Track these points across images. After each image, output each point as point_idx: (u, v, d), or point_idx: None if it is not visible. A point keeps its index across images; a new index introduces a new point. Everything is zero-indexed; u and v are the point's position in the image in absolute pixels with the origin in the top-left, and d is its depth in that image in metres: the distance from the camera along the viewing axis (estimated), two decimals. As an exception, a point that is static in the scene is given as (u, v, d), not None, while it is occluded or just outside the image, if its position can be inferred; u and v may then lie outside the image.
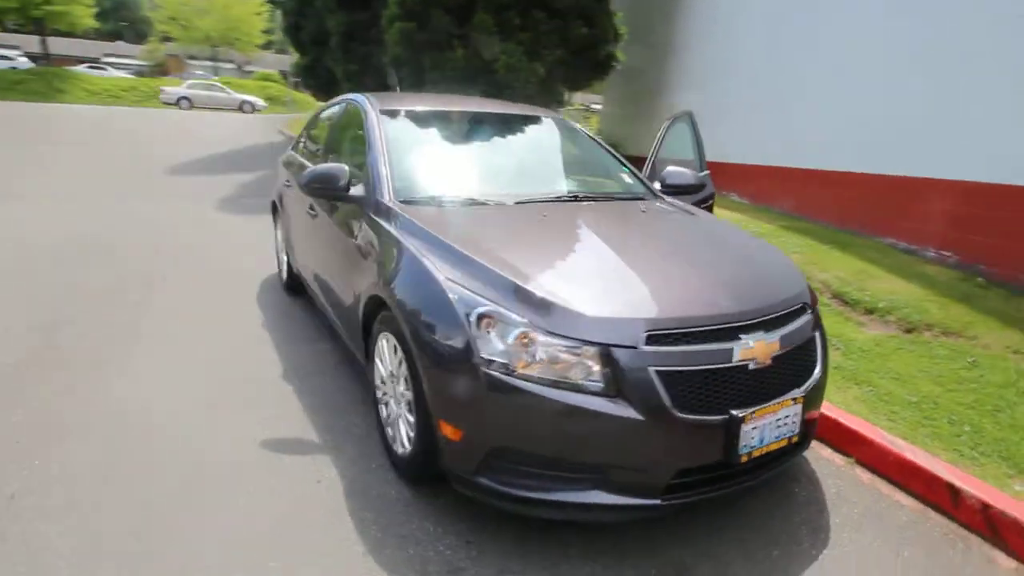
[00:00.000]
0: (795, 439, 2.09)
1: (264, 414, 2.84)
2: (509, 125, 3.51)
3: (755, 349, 1.97)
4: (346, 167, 2.78)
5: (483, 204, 2.68)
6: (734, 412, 1.89)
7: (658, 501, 1.91)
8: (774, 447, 2.03)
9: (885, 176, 5.81)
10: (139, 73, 35.91)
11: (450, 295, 2.02)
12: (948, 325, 3.90)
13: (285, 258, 4.51)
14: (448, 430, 1.98)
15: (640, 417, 1.81)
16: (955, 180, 5.08)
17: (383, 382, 2.51)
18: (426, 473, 2.24)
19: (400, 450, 2.37)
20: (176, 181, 9.69)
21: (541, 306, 1.92)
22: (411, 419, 2.23)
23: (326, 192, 2.78)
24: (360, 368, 3.29)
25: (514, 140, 3.43)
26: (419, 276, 2.18)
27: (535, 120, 3.66)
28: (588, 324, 1.87)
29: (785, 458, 2.15)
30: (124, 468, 2.39)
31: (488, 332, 1.91)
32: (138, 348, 3.48)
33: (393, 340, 2.31)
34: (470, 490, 2.03)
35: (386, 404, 2.52)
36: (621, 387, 1.82)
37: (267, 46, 41.67)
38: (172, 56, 39.27)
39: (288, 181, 4.18)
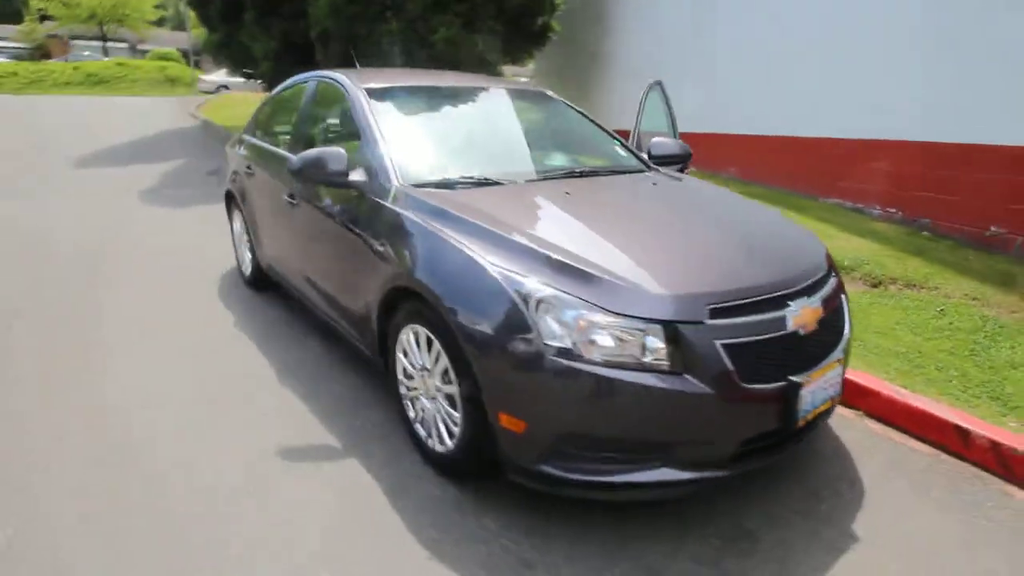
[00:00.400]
0: (837, 399, 2.17)
1: (272, 420, 2.64)
2: (497, 100, 3.38)
3: (803, 315, 2.00)
4: (343, 151, 2.58)
5: (497, 183, 2.57)
6: (793, 378, 1.92)
7: (725, 472, 1.93)
8: (822, 409, 2.09)
9: (829, 139, 6.09)
10: (17, 57, 32.33)
11: (502, 281, 1.92)
12: (910, 278, 4.16)
13: (248, 252, 4.21)
14: (509, 421, 1.90)
15: (709, 391, 1.80)
16: (898, 140, 5.39)
17: (409, 377, 2.39)
18: (474, 469, 2.16)
19: (439, 447, 2.26)
20: (88, 175, 8.83)
21: (601, 286, 1.87)
22: (454, 414, 2.14)
23: (322, 178, 2.57)
24: (365, 366, 3.15)
25: (506, 115, 3.30)
26: (460, 263, 2.05)
27: (521, 94, 3.55)
28: (652, 302, 1.84)
29: (823, 418, 2.22)
30: (134, 492, 2.17)
31: (548, 317, 1.84)
32: (113, 361, 3.16)
33: (425, 332, 2.19)
34: (532, 480, 1.97)
35: (414, 401, 2.41)
36: (688, 363, 1.81)
37: (160, 22, 38.46)
38: (53, 37, 35.56)
39: (249, 168, 3.87)
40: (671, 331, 1.81)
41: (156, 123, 15.01)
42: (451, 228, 2.19)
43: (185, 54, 30.52)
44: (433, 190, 2.46)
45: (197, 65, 29.53)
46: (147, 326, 3.59)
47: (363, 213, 2.57)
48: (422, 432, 2.38)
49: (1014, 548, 2.05)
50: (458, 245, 2.10)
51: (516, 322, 1.87)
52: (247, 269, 4.31)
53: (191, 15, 30.70)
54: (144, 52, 34.30)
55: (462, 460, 2.16)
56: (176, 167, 9.93)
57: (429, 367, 2.23)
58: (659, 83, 4.24)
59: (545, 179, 2.71)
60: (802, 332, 1.99)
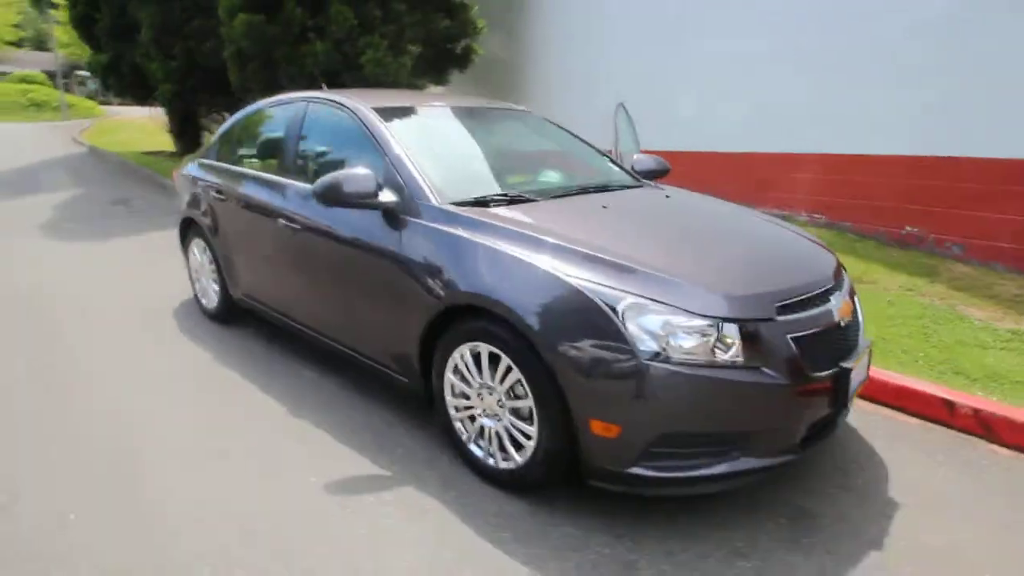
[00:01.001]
0: (865, 382, 2.41)
1: (302, 461, 2.50)
2: (496, 120, 3.43)
3: (842, 307, 2.22)
4: (370, 172, 2.53)
5: (530, 200, 2.62)
6: (844, 364, 2.12)
7: (796, 456, 2.08)
8: (857, 392, 2.31)
9: (757, 154, 6.65)
10: None
11: (586, 292, 1.98)
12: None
13: (213, 285, 3.96)
14: (601, 428, 1.95)
15: (784, 381, 1.95)
16: (819, 154, 6.00)
17: (463, 397, 2.37)
18: (549, 480, 2.17)
19: (504, 464, 2.26)
20: (-31, 209, 7.86)
21: (680, 290, 1.97)
22: (527, 427, 2.15)
23: (350, 201, 2.50)
24: (375, 391, 3.06)
25: (510, 135, 3.37)
26: (535, 277, 2.08)
27: (515, 115, 3.62)
28: (729, 303, 1.97)
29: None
30: (182, 551, 1.98)
31: (636, 323, 1.91)
32: (98, 423, 2.85)
33: (488, 349, 2.19)
34: (619, 484, 2.02)
35: (466, 421, 2.39)
36: (764, 357, 1.95)
37: (19, 43, 34.84)
38: None
39: (220, 194, 3.65)
40: (747, 328, 1.95)
41: (39, 150, 13.62)
42: (511, 243, 2.21)
43: (52, 76, 27.82)
44: (472, 208, 2.47)
45: (67, 88, 27.06)
46: (120, 379, 3.25)
47: (395, 234, 2.52)
48: (478, 451, 2.36)
49: (1010, 491, 2.38)
50: (527, 260, 2.13)
51: (605, 331, 1.93)
52: (211, 301, 4.04)
53: (59, 35, 28.17)
54: (3, 74, 30.88)
55: (535, 473, 2.17)
56: (69, 198, 9.08)
57: (492, 384, 2.23)
58: (622, 105, 4.48)
59: (567, 195, 2.80)
60: (843, 323, 2.21)
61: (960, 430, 2.80)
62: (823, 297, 2.18)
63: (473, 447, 2.38)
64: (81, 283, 4.88)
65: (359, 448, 2.59)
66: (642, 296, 1.95)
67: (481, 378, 2.27)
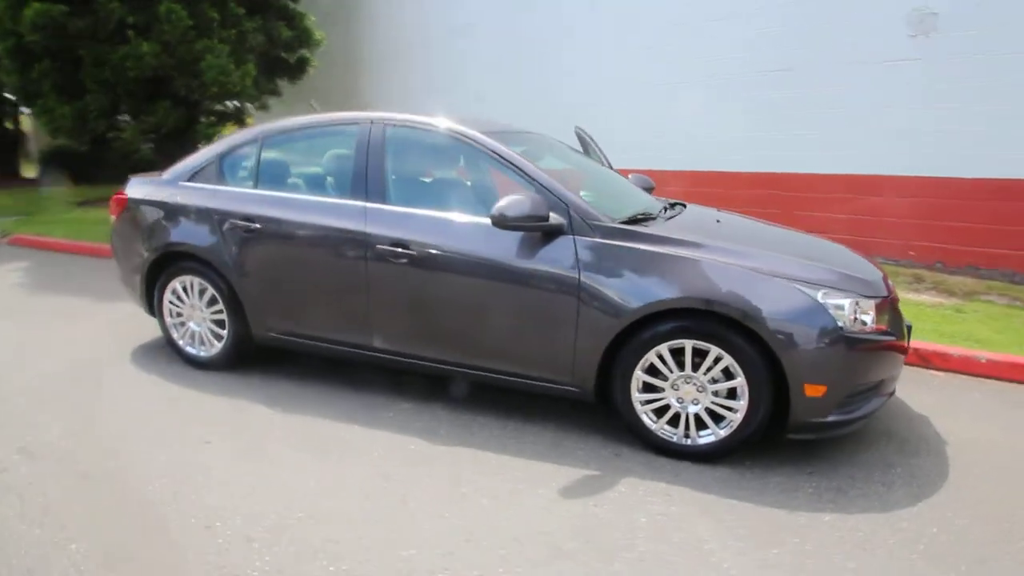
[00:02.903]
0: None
1: (512, 479, 2.54)
2: (537, 143, 3.62)
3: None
4: (541, 196, 2.69)
5: (654, 218, 3.02)
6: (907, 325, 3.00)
7: (891, 395, 2.87)
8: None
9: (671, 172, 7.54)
10: None
11: (796, 287, 2.48)
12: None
13: (216, 328, 3.45)
14: (812, 389, 2.45)
15: (900, 342, 2.71)
16: (732, 172, 6.97)
17: (654, 390, 2.66)
18: (753, 441, 2.60)
19: (703, 440, 2.63)
20: None
21: (850, 280, 2.59)
22: (732, 404, 2.56)
23: (529, 225, 2.65)
24: (517, 404, 3.16)
25: (578, 159, 3.64)
26: (745, 279, 2.50)
27: (543, 137, 3.87)
28: (878, 287, 2.64)
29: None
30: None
31: (835, 306, 2.48)
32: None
33: (692, 344, 2.54)
34: (816, 432, 2.57)
35: (659, 411, 2.68)
36: (891, 326, 2.69)
37: None
38: None
39: (250, 222, 3.21)
40: (884, 305, 2.67)
41: None
42: (700, 253, 2.60)
43: None
44: (632, 225, 2.79)
45: None
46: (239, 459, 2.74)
47: (567, 254, 2.69)
48: (669, 435, 2.69)
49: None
50: (730, 266, 2.55)
51: (813, 315, 2.45)
52: (209, 347, 3.51)
53: None
54: None
55: (738, 441, 2.59)
56: None
57: (695, 374, 2.60)
58: (582, 129, 5.00)
59: (672, 215, 3.22)
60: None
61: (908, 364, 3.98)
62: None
63: (663, 434, 2.71)
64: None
65: (543, 457, 2.69)
66: (829, 286, 2.54)
67: (681, 371, 2.63)
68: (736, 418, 2.59)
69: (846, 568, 2.07)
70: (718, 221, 3.21)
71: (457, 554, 2.09)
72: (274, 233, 3.22)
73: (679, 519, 2.30)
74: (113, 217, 3.79)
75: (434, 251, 2.92)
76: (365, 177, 3.10)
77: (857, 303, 2.53)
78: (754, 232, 3.24)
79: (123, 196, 3.70)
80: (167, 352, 3.75)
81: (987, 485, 2.57)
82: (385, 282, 3.01)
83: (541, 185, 2.82)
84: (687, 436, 2.67)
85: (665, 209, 3.30)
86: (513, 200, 2.63)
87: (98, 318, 4.53)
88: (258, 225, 3.23)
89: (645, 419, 2.71)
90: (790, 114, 6.04)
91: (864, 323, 2.54)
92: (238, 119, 9.29)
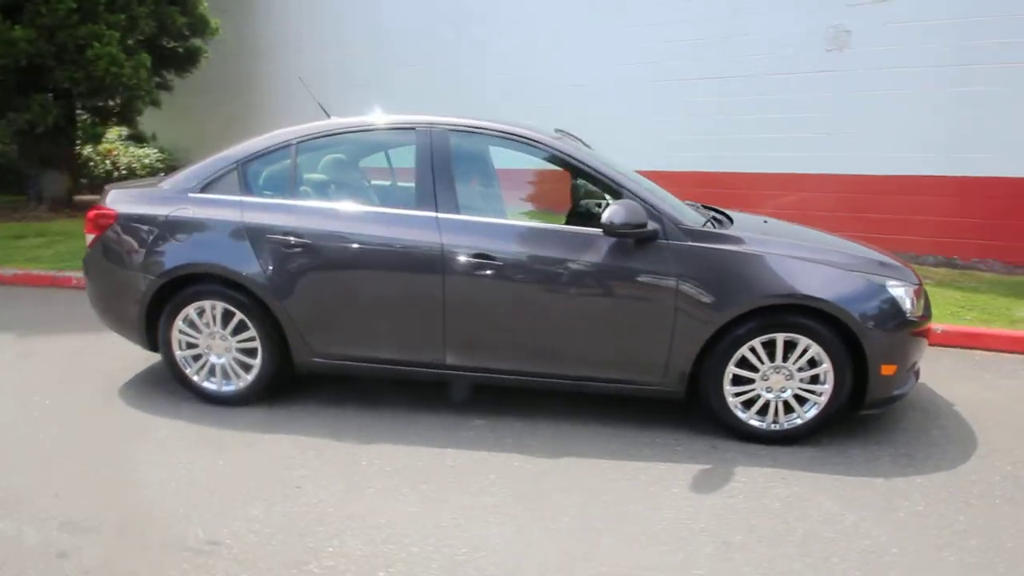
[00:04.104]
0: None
1: (635, 487, 2.58)
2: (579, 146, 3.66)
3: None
4: (637, 203, 2.75)
5: (722, 220, 3.19)
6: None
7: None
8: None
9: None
10: None
11: (871, 279, 2.77)
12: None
13: (244, 358, 3.09)
14: (887, 369, 2.77)
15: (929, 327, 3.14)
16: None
17: (744, 382, 2.83)
18: (833, 420, 2.87)
19: (789, 424, 2.85)
20: None
21: (900, 271, 2.93)
22: (817, 389, 2.79)
23: (634, 233, 2.72)
24: (593, 410, 3.18)
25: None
26: (830, 275, 2.75)
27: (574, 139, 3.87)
28: (913, 277, 3.00)
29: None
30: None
31: (902, 295, 2.81)
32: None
33: (784, 337, 2.74)
34: (882, 406, 2.90)
35: (749, 403, 2.85)
36: (927, 310, 3.08)
37: None
38: None
39: (296, 236, 2.89)
40: (920, 292, 3.06)
41: None
42: (784, 251, 2.81)
43: None
44: (715, 228, 2.94)
45: None
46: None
47: (662, 258, 2.77)
48: (758, 422, 2.88)
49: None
50: (811, 262, 2.78)
51: (888, 304, 2.77)
52: (237, 380, 3.13)
53: None
54: None
55: (821, 422, 2.83)
56: None
57: (785, 364, 2.81)
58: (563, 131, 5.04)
59: (726, 215, 3.41)
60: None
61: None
62: None
63: (754, 422, 2.89)
64: None
65: (661, 458, 2.76)
66: (892, 278, 2.87)
67: (772, 362, 2.82)
68: (821, 401, 2.84)
69: (958, 521, 2.37)
70: (765, 222, 3.47)
71: (643, 563, 2.10)
72: (326, 248, 2.94)
73: (805, 499, 2.49)
74: (90, 238, 3.21)
75: (522, 261, 2.85)
76: (432, 185, 2.94)
77: (909, 291, 2.89)
78: (798, 232, 3.54)
79: (108, 212, 3.16)
80: (166, 389, 3.31)
81: (1009, 435, 3.06)
82: (464, 295, 2.89)
83: (632, 192, 2.87)
84: (775, 422, 2.88)
85: (709, 211, 3.50)
86: (620, 208, 2.68)
87: (57, 352, 3.84)
88: (306, 240, 2.93)
89: (736, 411, 2.88)
90: (728, 118, 6.61)
91: (915, 309, 2.90)
92: (124, 117, 8.13)
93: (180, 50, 8.69)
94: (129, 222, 3.11)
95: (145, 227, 3.09)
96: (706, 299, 2.76)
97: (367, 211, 3.02)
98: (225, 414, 3.09)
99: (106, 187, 3.38)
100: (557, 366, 2.96)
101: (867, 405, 2.88)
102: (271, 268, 2.96)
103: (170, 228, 3.05)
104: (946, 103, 5.77)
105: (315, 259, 2.95)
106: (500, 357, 2.99)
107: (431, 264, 2.86)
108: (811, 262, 2.81)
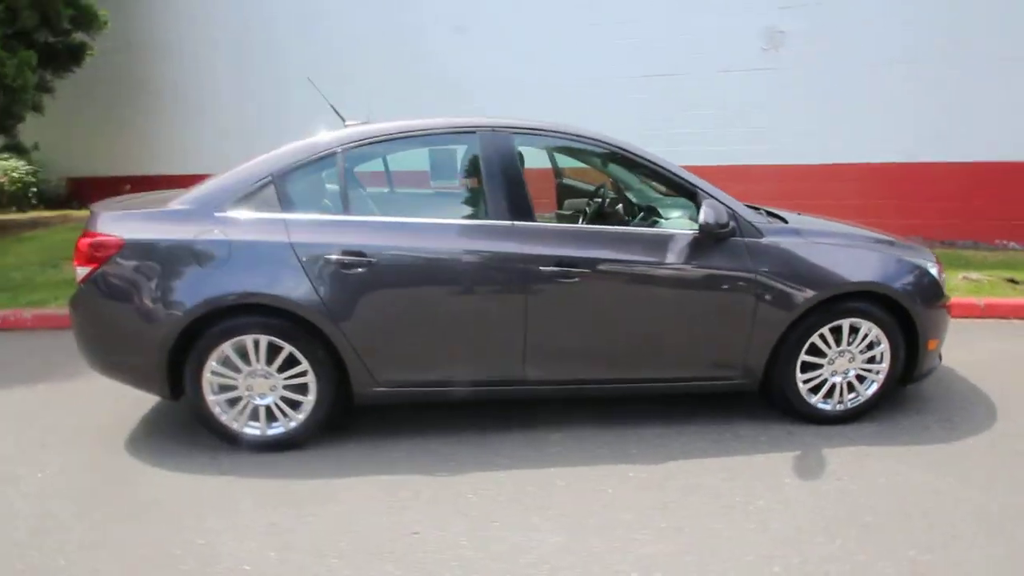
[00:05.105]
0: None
1: (739, 482, 2.61)
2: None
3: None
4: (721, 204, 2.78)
5: (778, 215, 3.29)
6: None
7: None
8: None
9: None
10: None
11: (918, 263, 3.00)
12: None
13: (292, 395, 2.74)
14: (932, 344, 3.02)
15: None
16: None
17: (812, 368, 2.95)
18: (876, 404, 3.05)
19: (853, 403, 3.01)
20: None
21: (929, 253, 3.19)
22: (875, 368, 2.98)
23: (724, 233, 2.76)
24: (654, 409, 3.19)
25: None
26: (889, 262, 2.96)
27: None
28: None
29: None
30: None
31: (939, 277, 3.06)
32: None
33: (850, 323, 2.89)
34: (924, 378, 3.14)
35: (808, 392, 2.98)
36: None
37: None
38: None
39: (364, 256, 2.59)
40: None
41: None
42: (843, 242, 2.99)
43: None
44: (783, 223, 3.05)
45: None
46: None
47: (740, 255, 2.82)
48: (825, 405, 3.01)
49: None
50: (870, 252, 2.96)
51: (934, 285, 3.01)
52: (281, 423, 2.77)
53: None
54: None
55: (879, 398, 3.03)
56: None
57: (849, 348, 2.96)
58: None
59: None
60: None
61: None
62: None
63: (822, 405, 3.02)
64: None
65: (757, 451, 2.81)
66: (928, 260, 3.11)
67: (839, 347, 2.96)
68: (879, 378, 3.03)
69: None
70: (800, 214, 3.63)
71: (822, 555, 2.12)
72: (394, 266, 2.68)
73: (900, 473, 2.64)
74: (83, 271, 2.68)
75: (604, 266, 2.77)
76: (504, 191, 2.77)
77: (939, 270, 3.17)
78: (833, 224, 3.72)
79: (109, 239, 2.65)
80: (181, 438, 2.93)
81: (1016, 389, 3.43)
82: (547, 306, 2.76)
83: (707, 192, 2.88)
84: (840, 402, 3.04)
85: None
86: (710, 208, 2.71)
87: (14, 411, 3.18)
88: (370, 258, 2.64)
89: (807, 398, 3.01)
90: (674, 113, 6.89)
91: (945, 286, 3.19)
92: (2, 125, 6.90)
93: (61, 46, 7.53)
94: (140, 249, 2.63)
95: (163, 255, 2.63)
96: (783, 292, 2.85)
97: (437, 223, 2.79)
98: (275, 462, 2.72)
99: (92, 208, 2.83)
100: (640, 371, 2.93)
101: (915, 379, 3.12)
102: (328, 292, 2.64)
103: (198, 254, 2.62)
104: (862, 99, 6.43)
105: (381, 278, 2.67)
106: (582, 367, 2.89)
107: (512, 275, 2.70)
108: (869, 251, 3.00)
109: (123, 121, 8.66)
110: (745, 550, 2.16)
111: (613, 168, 3.69)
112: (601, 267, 2.77)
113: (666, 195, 3.57)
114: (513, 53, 7.46)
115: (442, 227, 2.78)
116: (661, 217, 3.31)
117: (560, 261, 2.72)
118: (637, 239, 2.86)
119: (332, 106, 3.22)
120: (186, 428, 3.00)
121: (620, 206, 3.86)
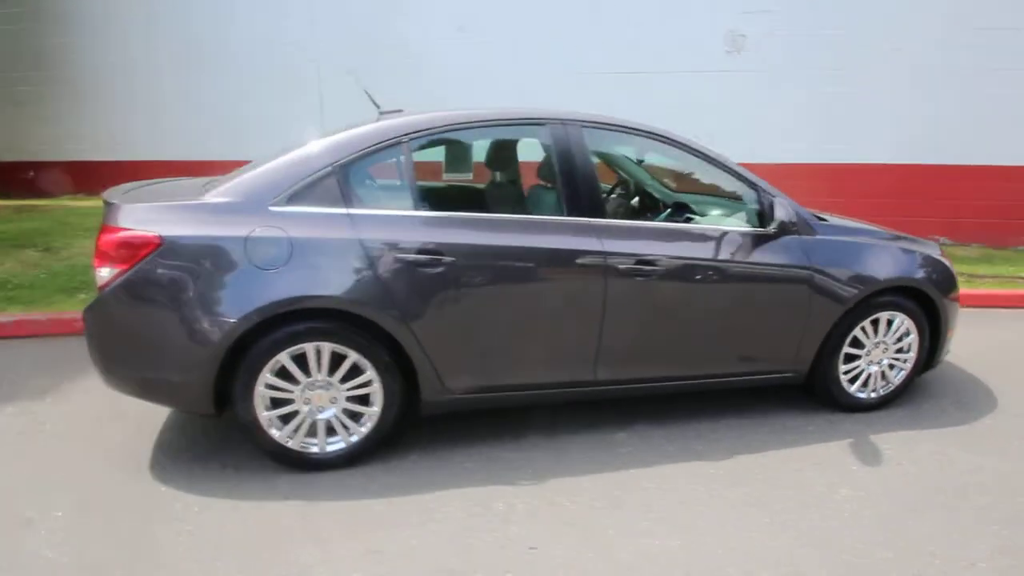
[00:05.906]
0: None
1: (808, 476, 2.69)
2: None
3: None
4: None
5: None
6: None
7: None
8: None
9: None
10: None
11: (937, 257, 3.23)
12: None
13: (358, 407, 2.52)
14: (951, 333, 3.27)
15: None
16: None
17: (853, 359, 3.10)
18: (904, 390, 3.26)
19: (885, 392, 3.19)
20: None
21: (937, 247, 3.45)
22: (904, 357, 3.17)
23: (793, 229, 2.86)
24: (701, 405, 3.23)
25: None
26: (916, 258, 3.15)
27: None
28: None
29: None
30: None
31: (950, 267, 3.31)
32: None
33: (887, 316, 3.06)
34: (938, 364, 3.39)
35: (846, 382, 3.12)
36: None
37: None
38: None
39: (439, 257, 2.41)
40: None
41: None
42: (879, 240, 3.14)
43: None
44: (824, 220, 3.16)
45: None
46: None
47: (799, 251, 2.90)
48: (861, 394, 3.18)
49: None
50: (902, 251, 3.15)
51: (950, 277, 3.25)
52: (348, 436, 2.53)
53: None
54: None
55: (906, 385, 3.24)
56: None
57: (886, 340, 3.13)
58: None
59: None
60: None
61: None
62: None
63: (859, 394, 3.18)
64: None
65: (810, 441, 2.91)
66: (943, 255, 3.36)
67: (877, 337, 3.13)
68: (907, 367, 3.24)
69: (1045, 451, 2.94)
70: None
71: (912, 540, 2.22)
72: (474, 266, 2.51)
73: (946, 454, 2.83)
74: (108, 273, 2.30)
75: (679, 264, 2.76)
76: (576, 188, 2.68)
77: (950, 263, 3.44)
78: (860, 222, 3.86)
79: (145, 237, 2.28)
80: (209, 459, 2.63)
81: (1010, 371, 3.76)
82: (624, 305, 2.71)
83: (767, 191, 2.94)
84: (874, 391, 3.22)
85: None
86: (782, 207, 2.79)
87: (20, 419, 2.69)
88: (449, 257, 2.46)
89: (847, 387, 3.16)
90: (643, 112, 6.97)
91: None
92: None
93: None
94: (183, 249, 2.30)
95: (212, 255, 2.31)
96: (835, 287, 2.96)
97: (516, 219, 2.65)
98: (340, 482, 2.49)
99: (107, 198, 2.43)
100: (704, 367, 2.95)
101: (933, 365, 3.37)
102: (401, 294, 2.44)
103: (253, 254, 2.32)
104: (819, 101, 6.87)
105: (458, 278, 2.50)
106: (651, 365, 2.87)
107: (592, 274, 2.62)
108: (899, 248, 3.19)
109: (22, 99, 7.59)
110: (852, 539, 2.22)
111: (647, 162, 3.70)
112: (676, 264, 2.75)
113: (697, 192, 3.62)
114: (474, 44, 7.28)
115: (522, 223, 2.65)
116: (695, 214, 3.35)
117: (640, 260, 2.67)
118: (710, 236, 2.87)
119: (368, 94, 2.97)
120: (208, 447, 2.70)
121: (636, 200, 3.89)
